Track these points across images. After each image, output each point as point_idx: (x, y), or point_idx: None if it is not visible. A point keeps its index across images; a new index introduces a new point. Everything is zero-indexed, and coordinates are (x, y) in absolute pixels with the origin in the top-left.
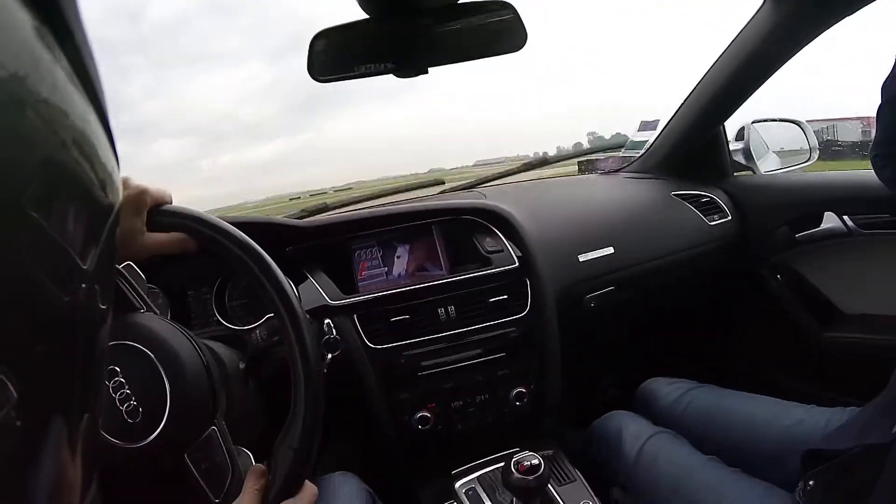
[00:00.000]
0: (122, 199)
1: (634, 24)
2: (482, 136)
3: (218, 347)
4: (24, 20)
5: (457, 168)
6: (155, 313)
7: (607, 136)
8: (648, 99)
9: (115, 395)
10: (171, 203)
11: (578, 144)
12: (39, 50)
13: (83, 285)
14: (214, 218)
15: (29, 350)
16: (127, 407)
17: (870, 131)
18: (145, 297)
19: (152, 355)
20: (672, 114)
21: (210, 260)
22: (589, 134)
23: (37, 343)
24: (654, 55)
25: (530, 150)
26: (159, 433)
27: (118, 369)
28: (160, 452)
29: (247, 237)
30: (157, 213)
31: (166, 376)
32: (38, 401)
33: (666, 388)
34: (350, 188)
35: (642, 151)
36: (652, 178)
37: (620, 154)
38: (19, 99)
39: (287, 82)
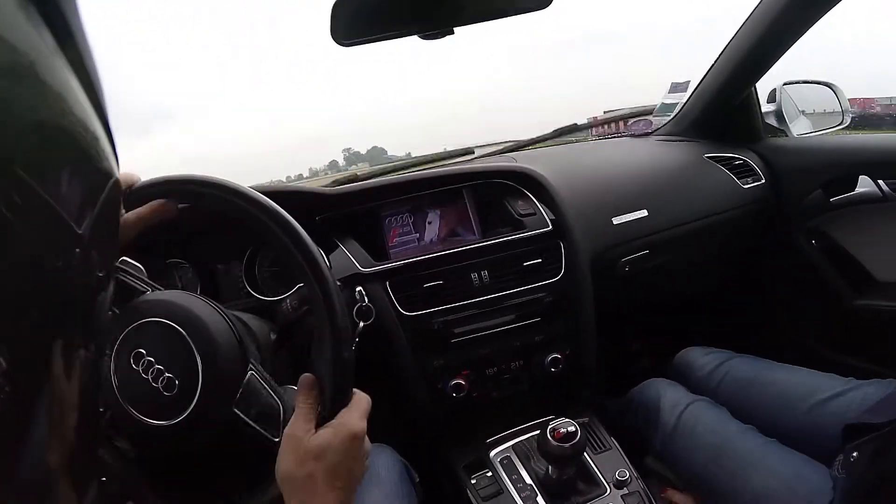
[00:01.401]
0: (118, 172)
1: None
2: (493, 115)
3: (248, 319)
4: (24, 16)
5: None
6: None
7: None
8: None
9: (148, 374)
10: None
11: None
12: (36, 38)
13: (77, 250)
14: (183, 174)
15: (22, 314)
16: (162, 382)
17: None
18: (151, 283)
19: (181, 329)
20: (703, 75)
21: (239, 233)
22: (344, 150)
23: (31, 308)
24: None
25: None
26: (197, 401)
27: (144, 351)
28: (202, 421)
29: (226, 181)
30: (129, 193)
31: (196, 348)
32: (29, 369)
33: (703, 359)
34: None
35: (673, 113)
36: (684, 141)
37: (651, 117)
38: (12, 68)
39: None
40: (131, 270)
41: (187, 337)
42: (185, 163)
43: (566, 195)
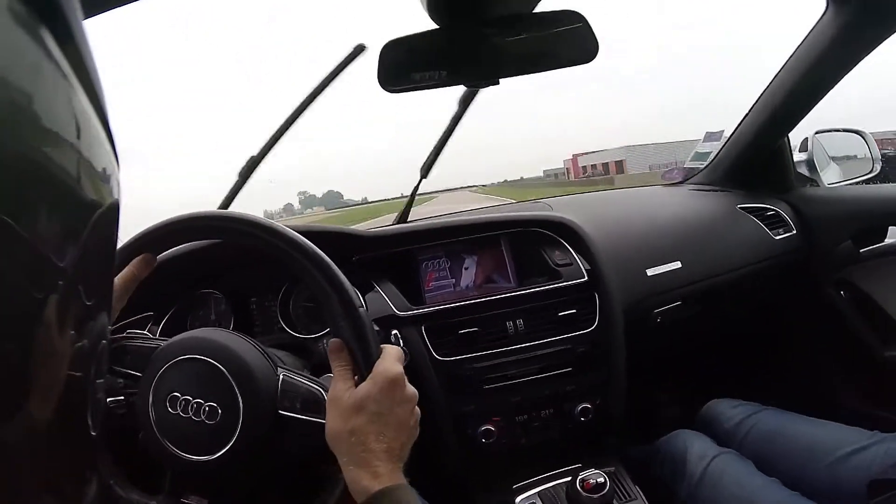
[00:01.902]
0: (116, 196)
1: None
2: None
3: (282, 355)
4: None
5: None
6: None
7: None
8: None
9: (189, 413)
10: None
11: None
12: (22, 42)
13: (60, 283)
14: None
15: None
16: (204, 413)
17: None
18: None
19: (217, 363)
20: (737, 124)
21: (274, 268)
22: (299, 193)
23: (4, 340)
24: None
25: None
26: (242, 424)
27: (178, 393)
28: (253, 442)
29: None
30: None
31: (234, 381)
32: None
33: (730, 411)
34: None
35: (706, 163)
36: (717, 191)
37: (686, 165)
38: None
39: None
40: (139, 336)
41: (221, 367)
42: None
43: (602, 245)
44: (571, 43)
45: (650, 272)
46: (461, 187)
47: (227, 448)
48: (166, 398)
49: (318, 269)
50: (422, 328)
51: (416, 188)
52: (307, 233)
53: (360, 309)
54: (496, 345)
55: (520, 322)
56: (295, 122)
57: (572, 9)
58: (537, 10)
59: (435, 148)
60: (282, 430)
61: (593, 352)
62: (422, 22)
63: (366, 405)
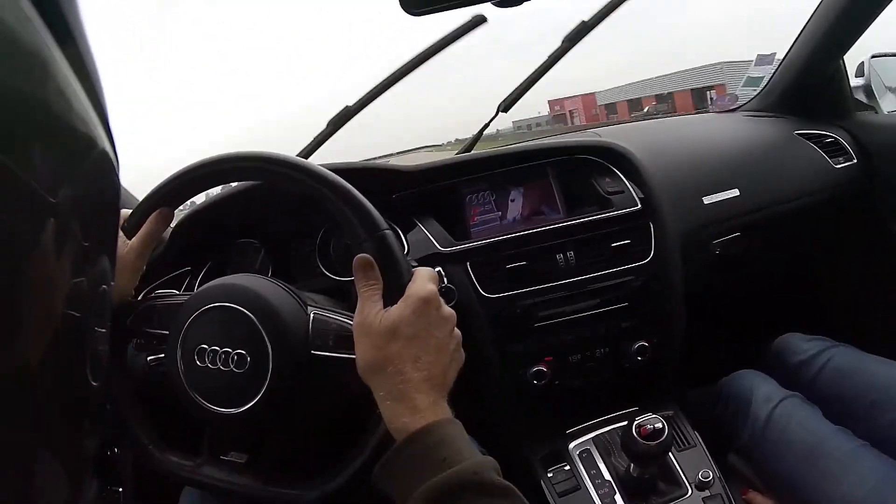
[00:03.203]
0: (108, 146)
1: None
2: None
3: (319, 298)
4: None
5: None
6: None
7: None
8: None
9: (218, 364)
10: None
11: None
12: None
13: (52, 219)
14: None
15: None
16: (233, 361)
17: None
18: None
19: (241, 308)
20: (789, 47)
21: (312, 211)
22: None
23: None
24: None
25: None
26: (272, 373)
27: (205, 345)
28: (283, 387)
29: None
30: (125, 224)
31: (260, 324)
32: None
33: (805, 344)
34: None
35: (760, 88)
36: (772, 117)
37: (738, 91)
38: None
39: None
40: (167, 295)
41: (246, 311)
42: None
43: (655, 172)
44: None
45: (707, 200)
46: (414, 149)
47: (260, 396)
48: (194, 351)
49: (333, 192)
50: (467, 265)
51: (488, 123)
52: (340, 170)
53: (386, 230)
54: (546, 279)
55: (570, 254)
56: (399, 81)
57: None
58: None
59: (522, 85)
60: (316, 372)
61: (650, 285)
62: None
63: (399, 329)
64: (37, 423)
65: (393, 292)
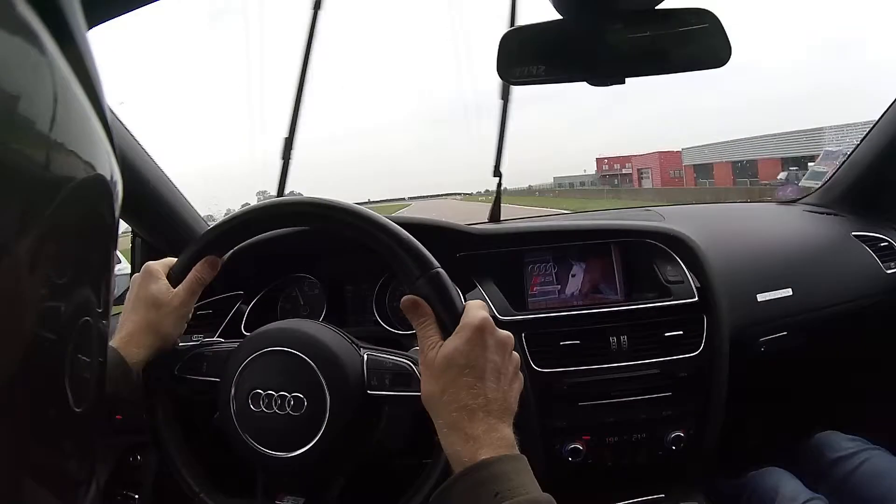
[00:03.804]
0: (108, 168)
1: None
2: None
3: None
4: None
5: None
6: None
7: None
8: None
9: (273, 408)
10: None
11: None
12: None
13: (34, 229)
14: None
15: None
16: (289, 405)
17: None
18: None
19: (296, 351)
20: (856, 144)
21: (372, 257)
22: (258, 193)
23: None
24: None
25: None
26: (330, 414)
27: (259, 390)
28: (341, 428)
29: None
30: (172, 271)
31: (316, 366)
32: None
33: (844, 443)
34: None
35: (821, 182)
36: (832, 214)
37: (801, 184)
38: None
39: None
40: (213, 342)
41: (301, 354)
42: None
43: (715, 263)
44: (701, 44)
45: (760, 297)
46: (446, 194)
47: (318, 438)
48: (248, 396)
49: (385, 234)
50: (522, 336)
51: (499, 187)
52: (408, 224)
53: (439, 269)
54: (597, 360)
55: (623, 338)
56: (302, 96)
57: (703, 7)
58: (666, 6)
59: (497, 148)
60: (374, 412)
61: (695, 377)
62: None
63: (454, 358)
64: (10, 442)
65: (448, 326)
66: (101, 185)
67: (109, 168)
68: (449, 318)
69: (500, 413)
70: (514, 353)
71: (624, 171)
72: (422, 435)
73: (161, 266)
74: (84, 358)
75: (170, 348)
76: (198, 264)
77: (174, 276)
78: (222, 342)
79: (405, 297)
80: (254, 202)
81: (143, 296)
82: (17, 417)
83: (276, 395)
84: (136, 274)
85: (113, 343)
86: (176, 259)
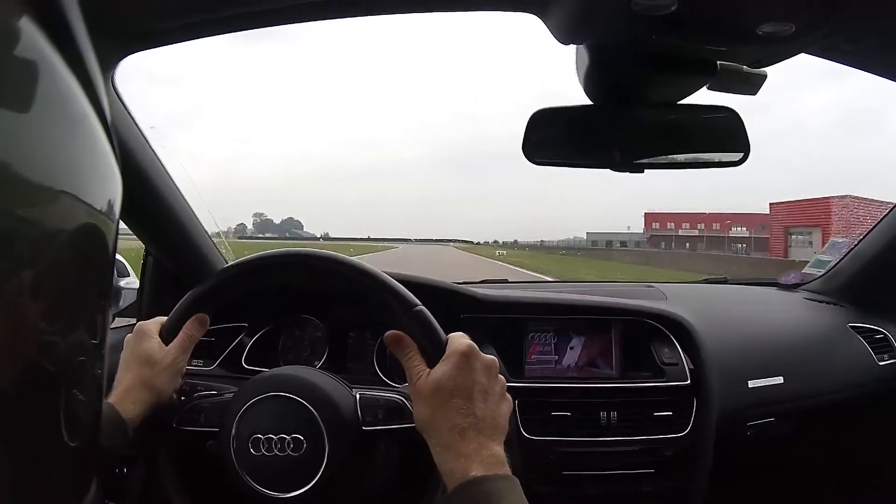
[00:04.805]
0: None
1: None
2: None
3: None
4: None
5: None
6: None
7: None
8: None
9: (274, 450)
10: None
11: None
12: None
13: (36, 258)
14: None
15: None
16: (289, 446)
17: None
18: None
19: (291, 395)
20: (862, 236)
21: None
22: (255, 214)
23: None
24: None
25: None
26: (329, 453)
27: (259, 434)
28: (340, 465)
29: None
30: (163, 329)
31: (312, 407)
32: None
33: None
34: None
35: (824, 271)
36: (831, 304)
37: (804, 271)
38: None
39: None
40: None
41: (296, 397)
42: None
43: (710, 345)
44: (721, 138)
45: (752, 384)
46: (444, 240)
47: (318, 477)
48: (248, 441)
49: (370, 280)
50: (515, 402)
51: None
52: (417, 285)
53: (420, 306)
54: (586, 433)
55: (614, 414)
56: None
57: (729, 105)
58: (691, 100)
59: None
60: (370, 447)
61: (679, 457)
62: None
63: (443, 383)
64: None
65: (434, 356)
66: (94, 235)
67: (106, 220)
68: (433, 349)
69: (491, 431)
70: (500, 375)
71: (681, 233)
72: (416, 476)
73: (153, 325)
74: (79, 395)
75: (165, 403)
76: (188, 322)
77: (166, 334)
78: (214, 394)
79: (388, 333)
80: (249, 224)
81: (136, 354)
82: (8, 447)
83: (275, 437)
84: (129, 335)
85: (109, 400)
86: (166, 318)
